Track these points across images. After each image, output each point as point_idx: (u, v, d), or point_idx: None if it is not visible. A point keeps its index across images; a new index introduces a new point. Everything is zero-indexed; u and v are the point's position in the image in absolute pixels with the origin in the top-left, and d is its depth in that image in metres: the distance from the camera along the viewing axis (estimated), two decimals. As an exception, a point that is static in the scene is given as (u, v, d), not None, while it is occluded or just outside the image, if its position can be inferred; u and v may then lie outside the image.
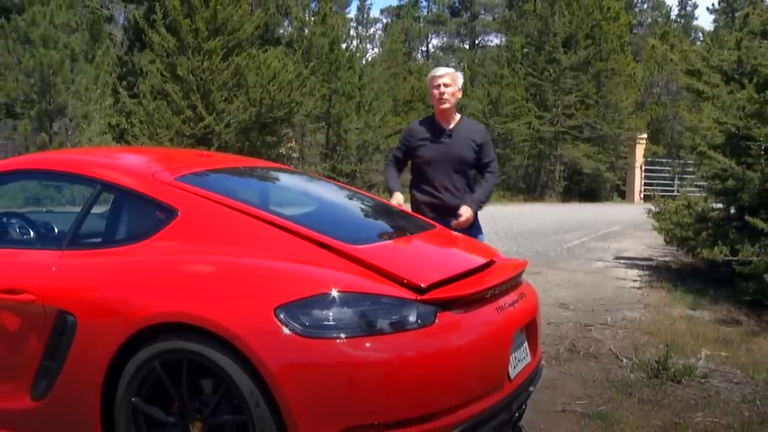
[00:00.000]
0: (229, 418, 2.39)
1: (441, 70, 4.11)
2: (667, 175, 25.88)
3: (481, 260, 2.94)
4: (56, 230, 3.43)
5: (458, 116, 4.14)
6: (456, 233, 3.56)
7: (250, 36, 18.02)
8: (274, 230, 2.61)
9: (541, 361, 3.27)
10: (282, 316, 2.28)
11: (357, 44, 28.55)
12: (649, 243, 10.36)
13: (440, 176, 4.02)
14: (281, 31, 25.27)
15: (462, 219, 3.88)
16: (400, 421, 2.29)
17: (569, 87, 25.55)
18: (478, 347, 2.51)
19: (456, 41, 50.48)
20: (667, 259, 8.91)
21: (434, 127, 4.10)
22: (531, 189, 26.12)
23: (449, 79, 4.02)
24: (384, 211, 3.69)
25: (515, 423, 2.82)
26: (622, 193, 27.90)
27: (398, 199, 4.02)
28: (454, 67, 4.40)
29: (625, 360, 4.49)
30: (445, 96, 4.00)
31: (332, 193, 3.80)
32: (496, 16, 45.70)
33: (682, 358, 4.49)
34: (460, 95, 4.10)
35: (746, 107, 6.54)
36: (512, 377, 2.70)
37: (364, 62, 25.80)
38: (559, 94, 25.57)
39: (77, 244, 2.83)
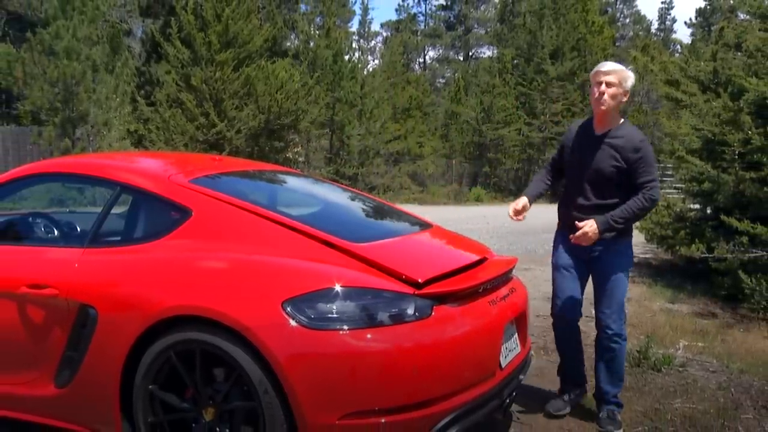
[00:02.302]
0: (240, 405, 2.39)
1: (607, 66, 3.17)
2: (648, 177, 25.84)
3: (474, 257, 2.94)
4: (78, 229, 3.43)
5: (619, 120, 3.20)
6: (451, 232, 3.52)
7: (259, 48, 18.03)
8: (281, 229, 2.61)
9: (530, 351, 3.26)
10: (289, 309, 2.28)
11: (359, 56, 28.60)
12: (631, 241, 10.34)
13: (574, 189, 3.23)
14: (288, 43, 25.29)
15: (578, 233, 3.04)
16: (399, 406, 2.29)
17: (556, 96, 25.54)
18: (472, 338, 2.51)
19: (451, 53, 50.44)
20: (647, 256, 8.90)
21: (587, 130, 3.26)
22: (521, 190, 25.89)
23: (615, 78, 3.11)
24: (384, 212, 3.68)
25: (506, 408, 2.81)
26: (606, 194, 27.82)
27: (514, 205, 3.27)
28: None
29: (608, 350, 4.47)
30: (605, 97, 3.10)
31: (335, 195, 3.79)
32: (489, 29, 45.63)
33: (662, 349, 4.49)
34: (625, 99, 3.16)
35: (721, 115, 6.54)
36: (503, 366, 2.71)
37: (365, 73, 25.80)
38: (547, 103, 25.55)
39: (98, 242, 2.83)
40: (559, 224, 3.39)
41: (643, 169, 3.07)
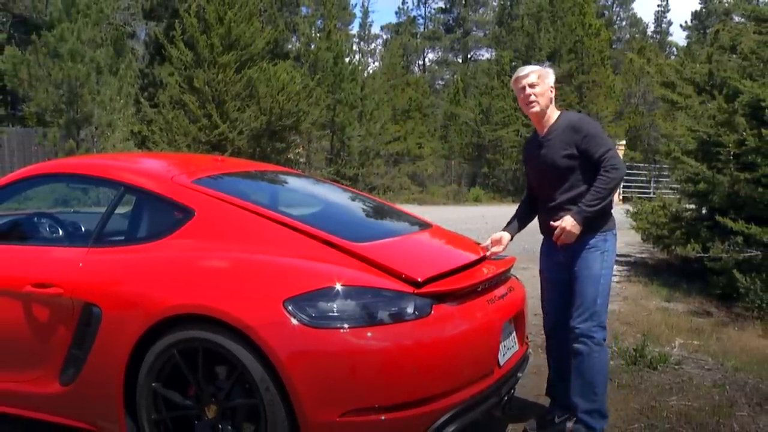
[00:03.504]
0: (242, 402, 2.39)
1: (526, 69, 3.09)
2: (644, 178, 25.82)
3: (473, 257, 2.94)
4: (83, 229, 3.43)
5: (555, 115, 3.09)
6: (450, 232, 3.52)
7: (261, 51, 18.04)
8: (283, 229, 2.61)
9: (528, 350, 3.26)
10: (290, 307, 2.28)
11: (359, 58, 28.57)
12: (628, 241, 10.34)
13: (542, 195, 3.13)
14: (290, 46, 25.29)
15: (557, 231, 2.93)
16: (399, 404, 2.29)
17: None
18: (471, 336, 2.51)
19: (450, 55, 50.45)
20: (644, 255, 8.91)
21: (534, 138, 3.18)
22: (519, 191, 26.08)
23: (536, 78, 3.03)
24: (383, 212, 3.68)
25: (504, 406, 2.81)
26: (602, 195, 27.76)
27: (491, 239, 3.19)
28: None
29: (605, 348, 4.48)
30: (532, 98, 3.02)
31: (336, 195, 3.79)
32: (487, 32, 45.63)
33: (658, 347, 4.49)
34: (552, 94, 3.08)
35: (716, 116, 6.54)
36: (502, 364, 2.71)
37: (365, 75, 25.78)
38: (545, 104, 25.57)
39: (102, 241, 2.83)
40: (542, 233, 3.23)
41: (593, 144, 2.93)
